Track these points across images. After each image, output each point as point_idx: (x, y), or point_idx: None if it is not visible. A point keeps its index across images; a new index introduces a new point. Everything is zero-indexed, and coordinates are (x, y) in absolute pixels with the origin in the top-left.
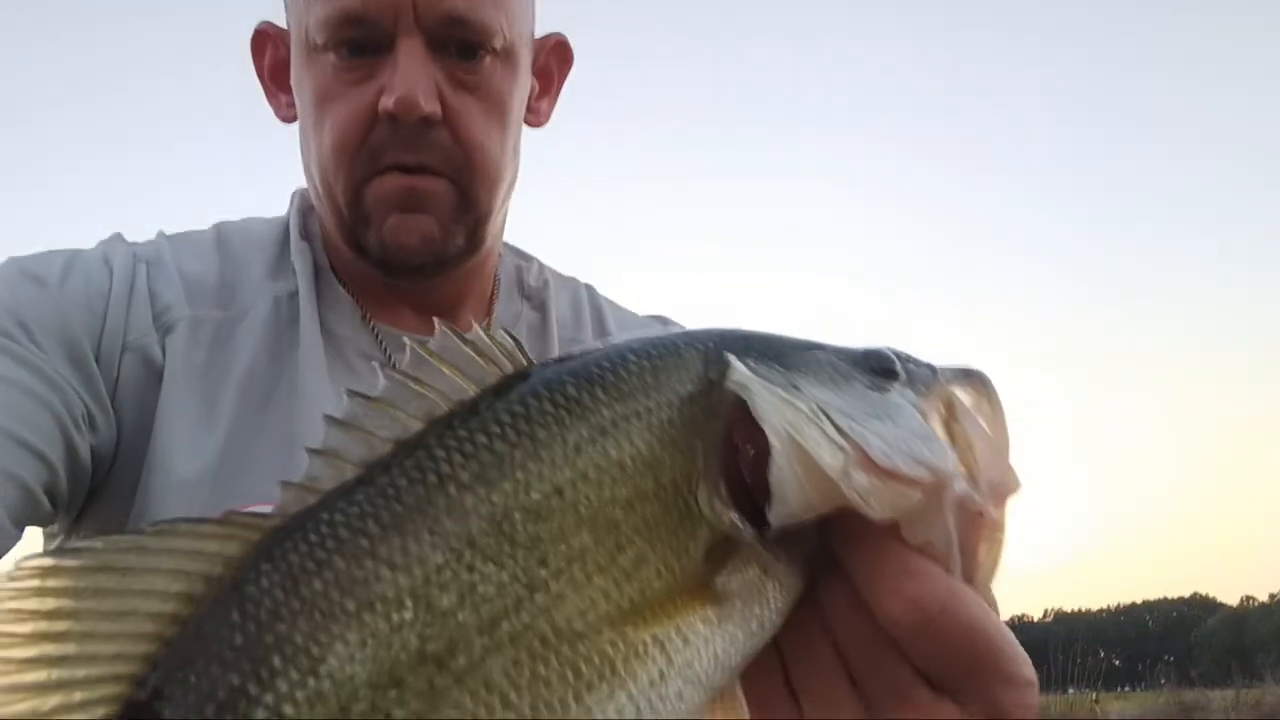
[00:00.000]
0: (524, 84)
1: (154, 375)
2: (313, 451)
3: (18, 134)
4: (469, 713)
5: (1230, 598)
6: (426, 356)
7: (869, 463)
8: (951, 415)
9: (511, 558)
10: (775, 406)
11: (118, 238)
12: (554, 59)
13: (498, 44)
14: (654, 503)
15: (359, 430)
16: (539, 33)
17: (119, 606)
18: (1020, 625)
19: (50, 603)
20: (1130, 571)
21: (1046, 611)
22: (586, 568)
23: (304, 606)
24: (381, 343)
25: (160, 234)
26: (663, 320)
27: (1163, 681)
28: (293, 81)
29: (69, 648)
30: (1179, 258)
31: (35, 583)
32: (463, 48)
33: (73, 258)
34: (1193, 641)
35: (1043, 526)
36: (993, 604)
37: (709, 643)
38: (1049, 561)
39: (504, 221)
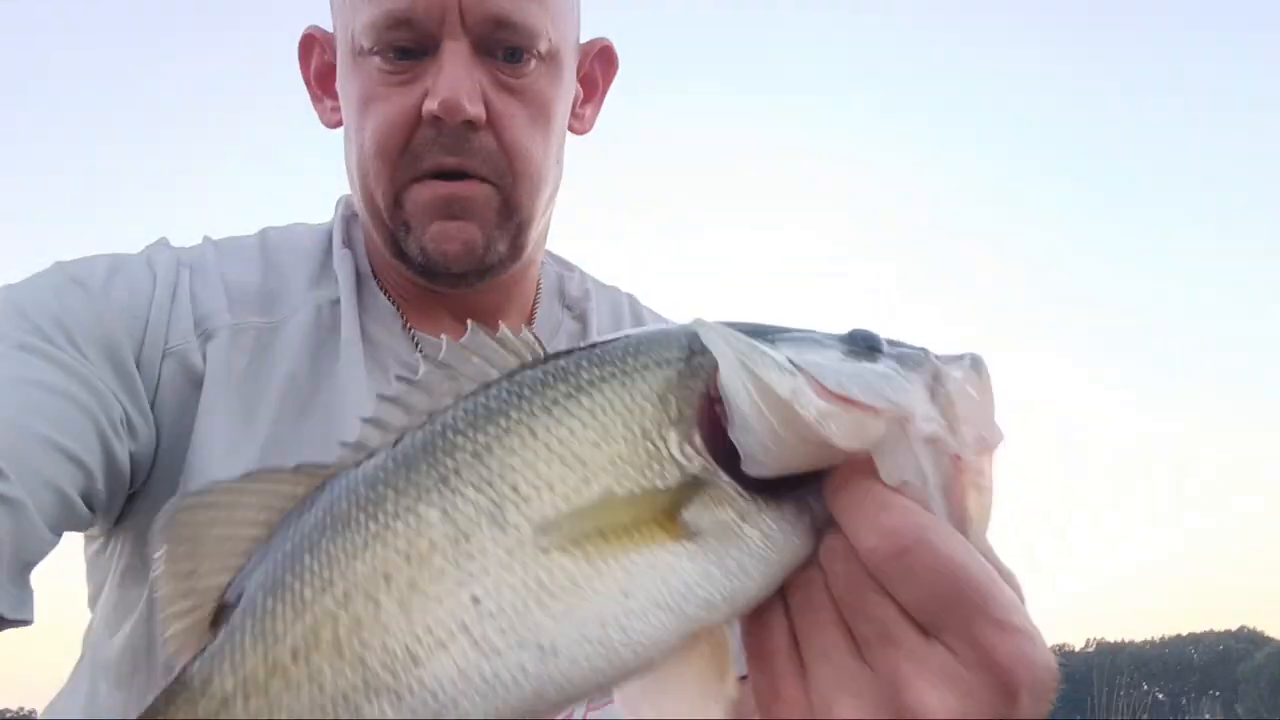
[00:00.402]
0: (569, 89)
1: (194, 381)
2: (365, 420)
3: (70, 136)
4: (445, 600)
5: (1279, 631)
6: (460, 348)
7: (821, 388)
8: (937, 383)
9: (488, 483)
10: (729, 343)
11: (163, 243)
12: (599, 65)
13: (543, 47)
14: (622, 444)
15: (401, 405)
16: (584, 38)
17: (224, 533)
18: (1061, 654)
19: (182, 532)
20: (1175, 602)
21: (1089, 640)
22: (555, 494)
23: (333, 522)
24: (421, 350)
25: (206, 239)
26: None
27: (1207, 716)
28: (338, 86)
29: (194, 564)
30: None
31: (171, 518)
32: (508, 51)
33: (116, 262)
34: (1239, 676)
35: (1087, 553)
36: (991, 557)
37: (676, 572)
38: (1092, 589)
39: (546, 229)
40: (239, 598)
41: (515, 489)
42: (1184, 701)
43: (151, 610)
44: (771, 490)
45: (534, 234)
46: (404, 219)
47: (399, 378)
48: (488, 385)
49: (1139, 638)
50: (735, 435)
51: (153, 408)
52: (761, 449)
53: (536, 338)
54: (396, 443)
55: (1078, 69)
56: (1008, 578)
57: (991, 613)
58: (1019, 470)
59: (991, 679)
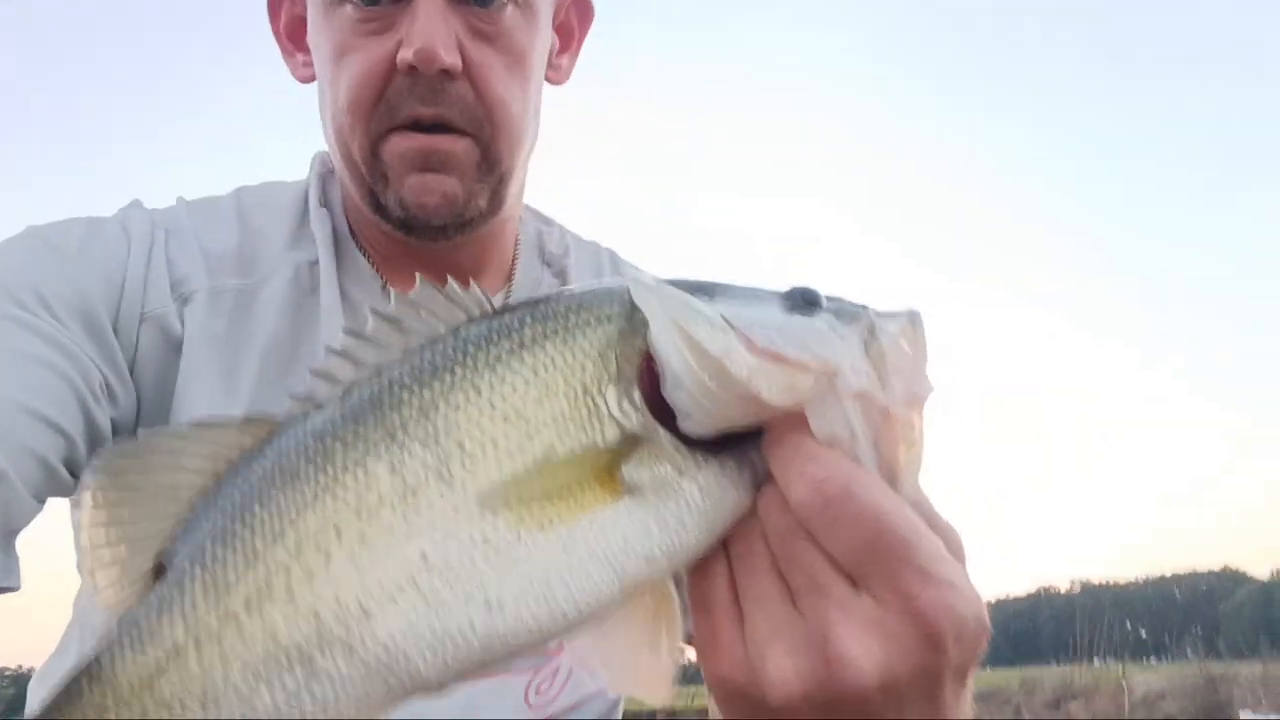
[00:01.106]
0: (545, 38)
1: (173, 345)
2: (313, 373)
3: (39, 103)
4: (394, 554)
5: (1261, 571)
6: (408, 303)
7: (751, 345)
8: (871, 337)
9: (434, 440)
10: (660, 297)
11: (136, 205)
12: (574, 14)
13: None
14: (563, 401)
15: (349, 358)
16: None
17: (168, 480)
18: (1045, 595)
19: (123, 479)
20: (1159, 543)
21: (1073, 582)
22: (499, 451)
23: (283, 474)
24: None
25: (180, 200)
26: None
27: (1190, 653)
28: (310, 38)
29: (137, 509)
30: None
31: (111, 456)
32: None
33: (90, 226)
34: (1221, 614)
35: (1070, 497)
36: (924, 509)
37: (616, 527)
38: (1076, 532)
39: (524, 183)
40: (183, 547)
41: (460, 445)
42: (1166, 639)
43: None
44: (713, 446)
45: (514, 187)
46: (382, 171)
47: (347, 331)
48: (435, 341)
49: (1123, 578)
50: (668, 393)
51: (132, 373)
52: (695, 406)
53: (484, 293)
54: (344, 396)
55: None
56: (941, 530)
57: (915, 561)
58: (1008, 416)
59: (915, 628)
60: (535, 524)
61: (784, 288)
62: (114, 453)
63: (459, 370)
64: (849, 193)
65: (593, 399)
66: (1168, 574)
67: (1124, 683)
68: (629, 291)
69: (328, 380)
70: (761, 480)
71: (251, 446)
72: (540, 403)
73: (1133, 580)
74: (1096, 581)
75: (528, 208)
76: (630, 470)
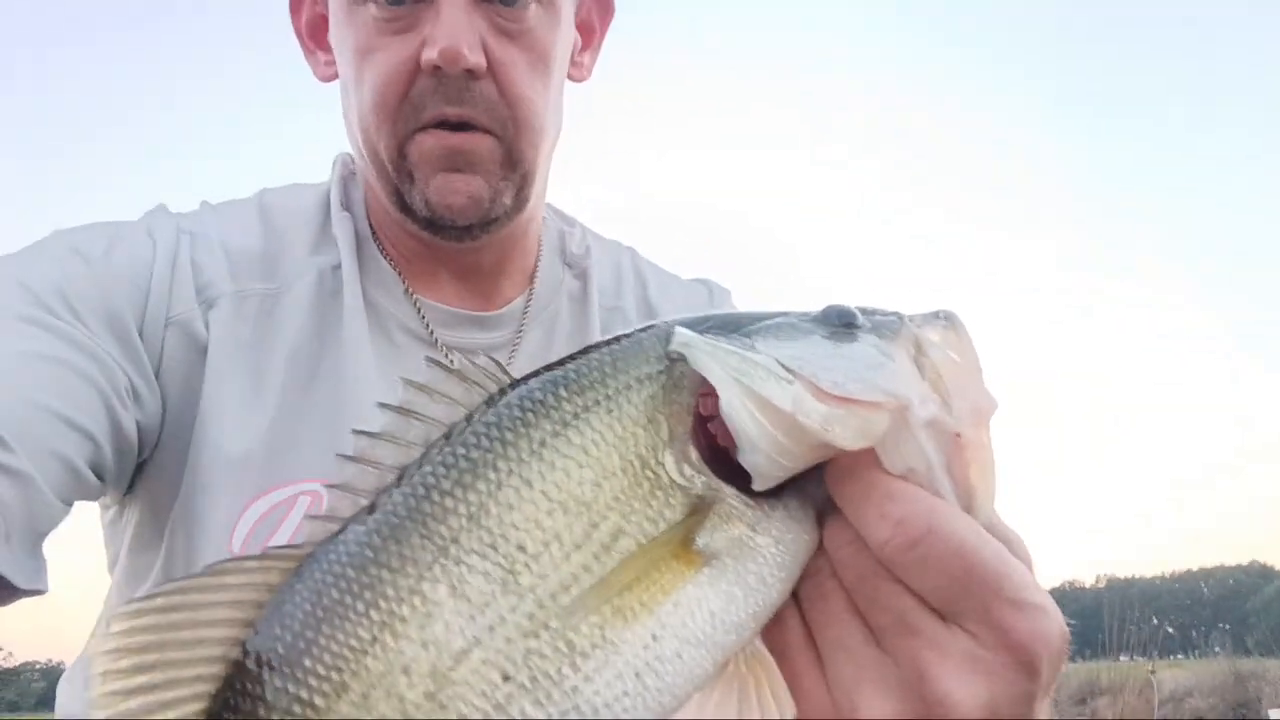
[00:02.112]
0: (567, 35)
1: (198, 350)
2: (330, 487)
3: (64, 108)
4: (474, 682)
5: None
6: (420, 389)
7: (820, 392)
8: (920, 352)
9: (491, 546)
10: (719, 359)
11: (162, 209)
12: (595, 11)
13: None
14: (622, 478)
15: (366, 464)
16: None
17: (192, 636)
18: (1071, 591)
19: (140, 640)
20: (1187, 538)
21: (1099, 577)
22: (564, 546)
23: (326, 616)
24: (423, 315)
25: (204, 204)
26: (706, 284)
27: (1217, 650)
28: (332, 37)
29: (158, 675)
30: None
31: (127, 625)
32: None
33: (116, 231)
34: (1249, 610)
35: (1097, 491)
36: (1000, 531)
37: (702, 602)
38: (1102, 526)
39: (546, 182)
40: (231, 716)
41: (522, 549)
42: (1194, 635)
43: (169, 576)
44: (775, 489)
45: (537, 185)
46: (407, 170)
47: (356, 432)
48: (463, 428)
49: (1149, 573)
50: (743, 458)
51: (157, 377)
52: (770, 464)
53: (496, 361)
54: (371, 509)
55: None
56: (1015, 547)
57: (1007, 593)
58: (1024, 402)
59: (1012, 658)
60: (618, 618)
61: (817, 309)
62: (127, 623)
63: (502, 463)
64: (843, 178)
65: (651, 470)
66: (1195, 569)
67: (1152, 679)
68: (660, 342)
69: (346, 492)
70: (820, 508)
71: (280, 584)
72: (598, 485)
73: (1159, 575)
74: (1123, 576)
75: (549, 207)
76: (705, 538)
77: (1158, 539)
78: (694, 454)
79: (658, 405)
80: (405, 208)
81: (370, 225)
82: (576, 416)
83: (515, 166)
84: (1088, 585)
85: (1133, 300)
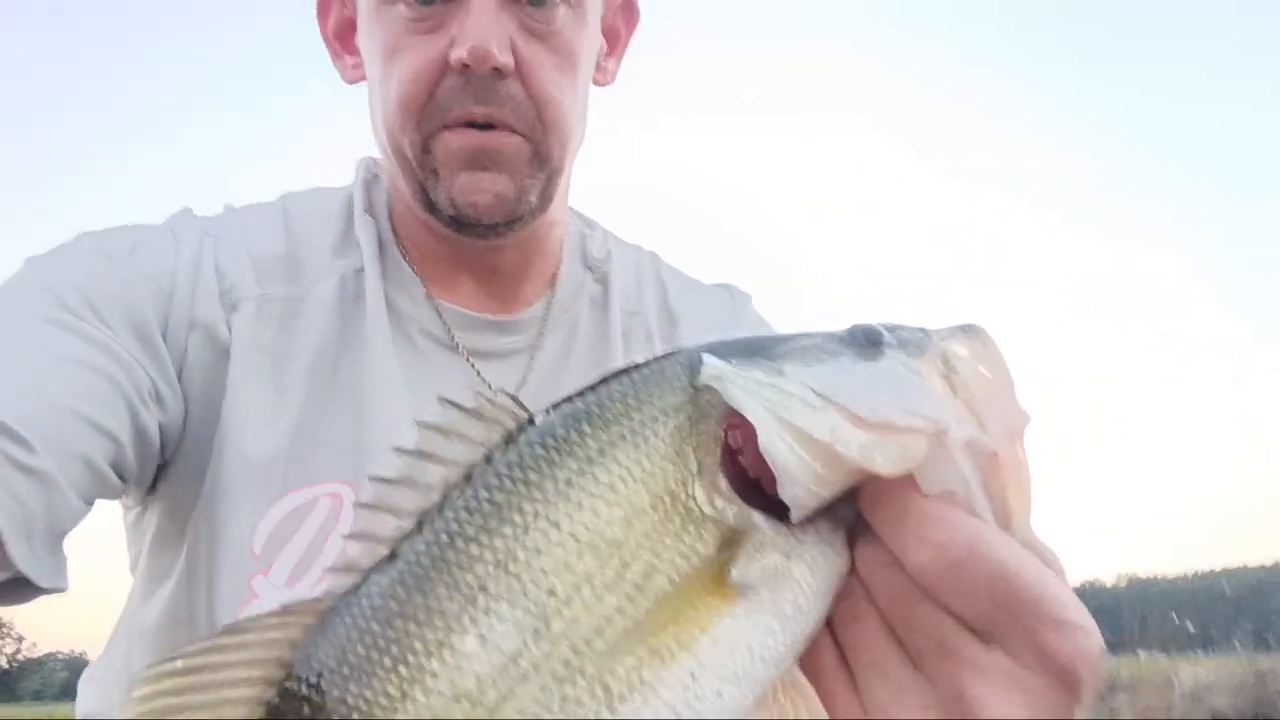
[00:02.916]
0: (594, 39)
1: (220, 353)
2: (348, 536)
3: (86, 110)
4: None
5: None
6: (435, 431)
7: (858, 420)
8: (949, 369)
9: (522, 593)
10: (751, 390)
11: (186, 212)
12: (621, 17)
13: None
14: (652, 514)
15: (384, 509)
16: None
17: (215, 698)
18: (1091, 590)
19: (162, 704)
20: (1208, 537)
21: (1119, 576)
22: (596, 589)
23: (353, 674)
24: (444, 319)
25: (227, 207)
26: (729, 289)
27: (1238, 648)
28: (361, 38)
29: None
30: None
31: (149, 689)
32: None
33: (140, 234)
34: (1272, 608)
35: (1116, 489)
36: (1037, 547)
37: (740, 637)
38: (1121, 525)
39: (569, 185)
40: None
41: (552, 593)
42: (1214, 633)
43: (190, 579)
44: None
45: (561, 186)
46: (433, 167)
47: (372, 478)
48: (484, 470)
49: (1171, 572)
50: (783, 493)
51: (180, 379)
52: (809, 495)
53: (513, 396)
54: (392, 558)
55: None
56: (1051, 562)
57: (1049, 613)
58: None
59: (1056, 679)
60: (655, 659)
61: (842, 329)
62: (149, 687)
63: (528, 506)
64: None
65: (682, 504)
66: (1216, 568)
67: (1172, 676)
68: (684, 370)
69: (365, 541)
70: (849, 527)
71: (301, 640)
72: (628, 523)
73: (1180, 574)
74: (1143, 575)
75: (571, 210)
76: (739, 570)
77: (1178, 538)
78: (724, 484)
79: (685, 437)
80: (430, 206)
81: (393, 229)
82: (602, 453)
83: (542, 165)
84: (1108, 584)
85: (1136, 296)
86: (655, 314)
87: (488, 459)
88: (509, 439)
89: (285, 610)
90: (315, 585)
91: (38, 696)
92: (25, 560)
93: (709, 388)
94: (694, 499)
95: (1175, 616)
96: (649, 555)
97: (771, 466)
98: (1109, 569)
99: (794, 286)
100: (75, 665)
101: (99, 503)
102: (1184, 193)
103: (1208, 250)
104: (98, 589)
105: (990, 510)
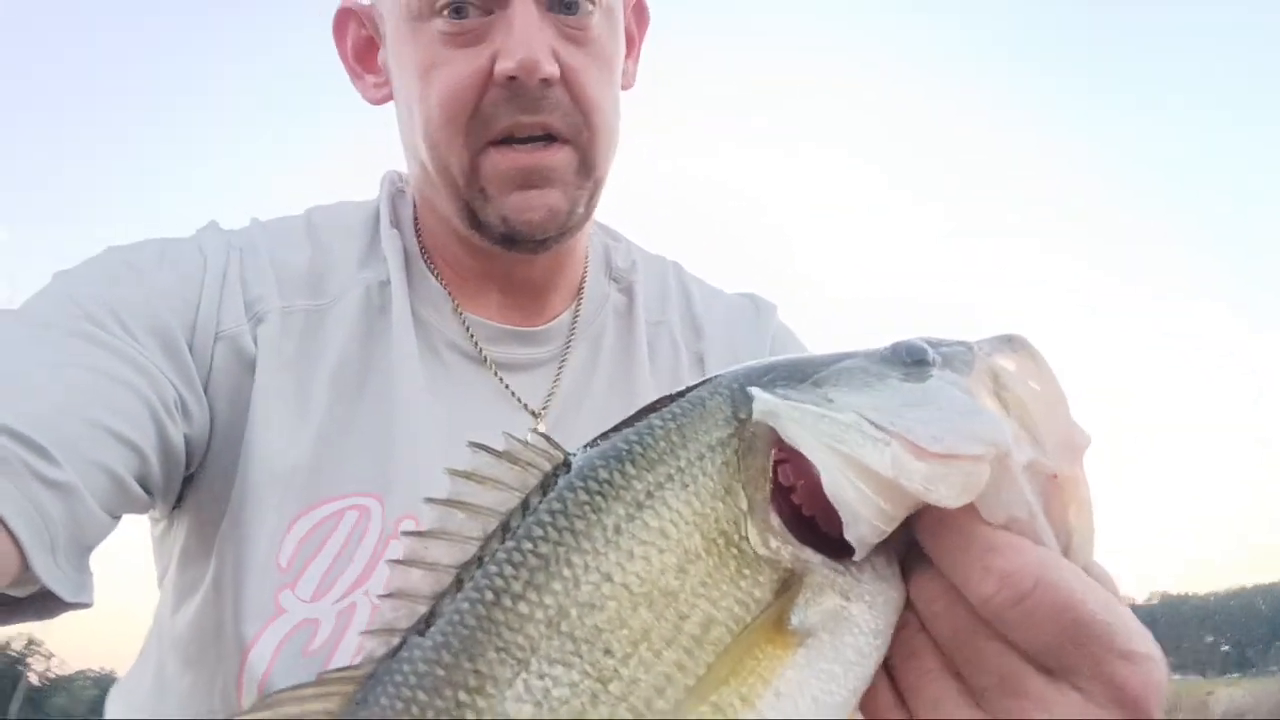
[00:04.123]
0: (623, 42)
1: (246, 365)
2: (383, 596)
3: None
4: None
5: None
6: (469, 479)
7: (918, 450)
8: (999, 385)
9: (576, 655)
10: (808, 425)
11: (213, 226)
12: (634, 19)
13: None
14: (706, 559)
15: (419, 565)
16: None
17: None
18: None
19: None
20: (1242, 554)
21: (1151, 594)
22: (654, 645)
23: None
24: (470, 331)
25: (254, 221)
26: (752, 299)
27: (1274, 668)
28: (389, 57)
29: None
30: None
31: None
32: (568, 3)
33: (167, 247)
34: None
35: (1148, 504)
36: (1097, 573)
37: (804, 688)
38: (1153, 542)
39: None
40: None
41: (609, 652)
42: (1249, 653)
43: (217, 592)
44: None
45: (601, 192)
46: (480, 185)
47: (405, 533)
48: (522, 516)
49: (1203, 590)
50: (849, 534)
51: (206, 391)
52: (872, 531)
53: (546, 437)
54: (431, 618)
55: None
56: (1111, 586)
57: (1119, 645)
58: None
59: (1125, 713)
60: (719, 714)
61: (883, 346)
62: None
63: (577, 557)
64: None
65: (735, 546)
66: (1249, 585)
67: (1208, 698)
68: (727, 402)
69: (404, 599)
70: (901, 557)
71: (340, 711)
72: (683, 571)
73: (1213, 592)
74: (1175, 593)
75: (594, 221)
76: (799, 615)
77: (1213, 555)
78: (777, 522)
79: (733, 473)
80: (476, 223)
81: (419, 242)
82: (650, 495)
83: (590, 173)
84: (1140, 601)
85: (1151, 311)
86: (680, 323)
87: (525, 506)
88: (546, 483)
89: (322, 680)
90: (339, 601)
91: (66, 714)
92: (49, 573)
93: (754, 423)
94: (747, 540)
95: (1210, 636)
96: (706, 605)
97: (836, 506)
98: (1141, 586)
99: (788, 286)
100: (104, 683)
101: (127, 518)
102: (1201, 211)
103: (1225, 265)
104: (126, 607)
105: (1053, 535)
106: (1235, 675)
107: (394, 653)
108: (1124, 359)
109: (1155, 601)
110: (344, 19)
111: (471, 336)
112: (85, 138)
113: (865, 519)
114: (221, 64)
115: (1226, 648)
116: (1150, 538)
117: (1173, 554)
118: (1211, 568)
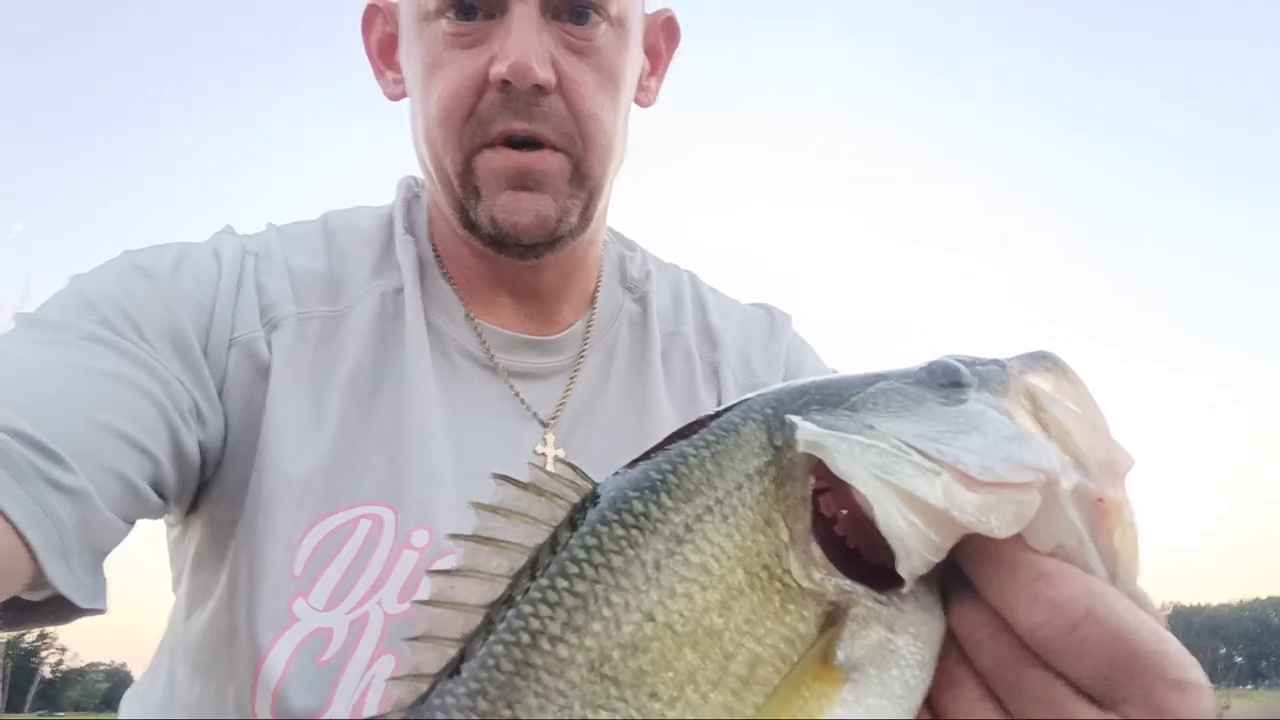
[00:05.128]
0: (636, 58)
1: (261, 371)
2: (409, 640)
3: (130, 129)
4: None
5: None
6: (495, 512)
7: (971, 480)
8: (1036, 406)
9: (621, 700)
10: (856, 456)
11: (228, 231)
12: (663, 37)
13: (612, 9)
14: (750, 594)
15: (448, 605)
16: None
17: None
18: None
19: None
20: (1255, 564)
21: (1163, 604)
22: (700, 687)
23: None
24: (483, 339)
25: (269, 226)
26: (768, 309)
27: None
28: (402, 55)
29: None
30: None
31: None
32: (575, 12)
33: (183, 251)
34: None
35: (1160, 515)
36: (1142, 599)
37: None
38: (1165, 552)
39: (609, 205)
40: None
41: (655, 696)
42: (1263, 665)
43: (231, 599)
44: (895, 575)
45: (602, 204)
46: (474, 185)
47: (431, 572)
48: (552, 552)
49: (1215, 601)
50: (901, 568)
51: (220, 397)
52: (922, 563)
53: (571, 465)
54: (461, 664)
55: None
56: (1154, 611)
57: (1169, 675)
58: None
59: None
60: None
61: (917, 367)
62: None
63: (616, 596)
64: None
65: (779, 580)
66: (1264, 597)
67: (1223, 712)
68: (762, 428)
69: (431, 643)
70: (940, 583)
71: None
72: (727, 608)
73: (1226, 603)
74: (1187, 604)
75: (609, 230)
76: (845, 650)
77: (1226, 566)
78: (818, 553)
79: (772, 503)
80: (470, 224)
81: (433, 248)
82: (689, 529)
83: (583, 183)
84: None
85: (1155, 319)
86: (695, 334)
87: (555, 541)
88: (575, 516)
89: None
90: (352, 611)
91: (79, 707)
92: (62, 579)
93: (792, 451)
94: (789, 573)
95: (1223, 648)
96: (752, 643)
97: (889, 540)
98: (1154, 597)
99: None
100: (116, 676)
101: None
102: (1211, 204)
103: (1229, 266)
104: (139, 602)
105: (1100, 562)
106: (1249, 687)
107: (424, 700)
108: (1136, 366)
109: (1167, 612)
110: (371, 14)
111: (484, 344)
112: (102, 133)
113: (916, 552)
114: (253, 65)
115: (1240, 659)
116: (1163, 548)
117: (1186, 565)
118: (1224, 579)
